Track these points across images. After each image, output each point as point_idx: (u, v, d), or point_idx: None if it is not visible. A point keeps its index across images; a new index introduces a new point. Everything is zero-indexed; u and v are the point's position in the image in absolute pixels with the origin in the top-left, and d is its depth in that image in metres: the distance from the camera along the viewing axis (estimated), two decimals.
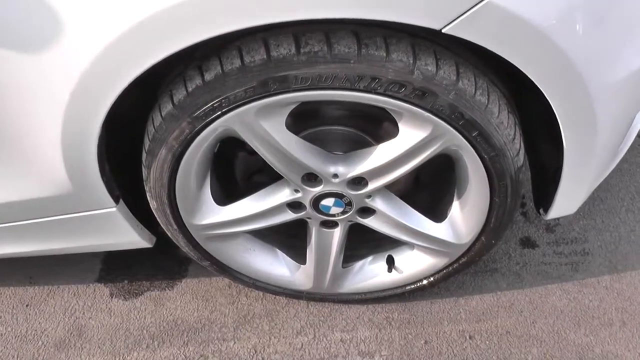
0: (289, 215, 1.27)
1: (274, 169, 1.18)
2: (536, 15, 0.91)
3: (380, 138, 1.25)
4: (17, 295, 1.65)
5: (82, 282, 1.64)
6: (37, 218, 1.32)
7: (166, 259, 1.66)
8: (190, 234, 1.30)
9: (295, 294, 1.46)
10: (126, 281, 1.63)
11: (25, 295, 1.65)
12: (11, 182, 1.23)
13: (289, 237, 1.41)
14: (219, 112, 1.05)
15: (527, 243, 1.58)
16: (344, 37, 0.98)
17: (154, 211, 1.28)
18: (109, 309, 1.57)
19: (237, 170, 1.34)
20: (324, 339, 1.44)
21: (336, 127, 1.25)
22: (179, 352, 1.46)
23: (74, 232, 1.35)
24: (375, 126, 1.24)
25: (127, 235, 1.36)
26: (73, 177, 1.19)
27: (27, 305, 1.62)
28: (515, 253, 1.56)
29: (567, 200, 1.26)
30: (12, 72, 1.01)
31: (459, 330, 1.43)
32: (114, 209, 1.28)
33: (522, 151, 1.15)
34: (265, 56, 0.98)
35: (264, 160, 1.16)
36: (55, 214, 1.30)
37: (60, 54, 0.98)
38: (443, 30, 0.92)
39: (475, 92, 1.04)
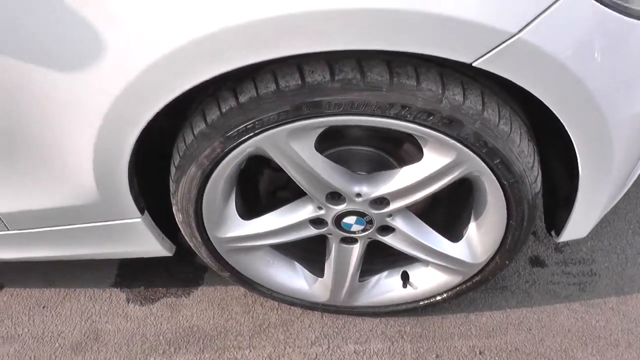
0: (311, 231, 1.30)
1: (298, 186, 1.22)
2: (562, 52, 0.95)
3: (401, 159, 1.30)
4: (34, 296, 1.68)
5: (99, 287, 1.68)
6: (64, 225, 1.36)
7: (182, 266, 1.69)
8: (213, 246, 1.34)
9: (311, 306, 1.50)
10: (142, 287, 1.66)
11: (42, 297, 1.68)
12: (42, 190, 1.27)
13: (307, 251, 1.44)
14: (252, 133, 1.08)
15: (537, 262, 1.62)
16: (376, 66, 1.01)
17: (178, 223, 1.31)
18: (126, 313, 1.61)
19: (261, 185, 1.38)
20: (338, 350, 1.48)
21: (358, 147, 1.29)
22: (195, 358, 1.49)
23: (98, 239, 1.39)
24: (396, 147, 1.27)
25: (149, 245, 1.40)
26: (102, 189, 1.22)
27: (43, 307, 1.65)
28: (525, 271, 1.60)
29: (579, 225, 1.30)
30: (53, 85, 1.04)
31: (470, 346, 1.47)
32: (139, 220, 1.31)
33: (540, 178, 1.20)
34: (300, 82, 1.02)
35: (289, 177, 1.20)
36: (81, 222, 1.34)
37: (100, 73, 1.01)
38: (474, 64, 0.96)
39: (499, 121, 1.08)
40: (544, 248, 1.65)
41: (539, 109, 1.05)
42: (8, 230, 1.39)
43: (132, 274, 1.70)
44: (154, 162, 1.28)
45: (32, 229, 1.38)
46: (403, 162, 1.28)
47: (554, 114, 1.05)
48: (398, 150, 1.27)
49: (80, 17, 0.96)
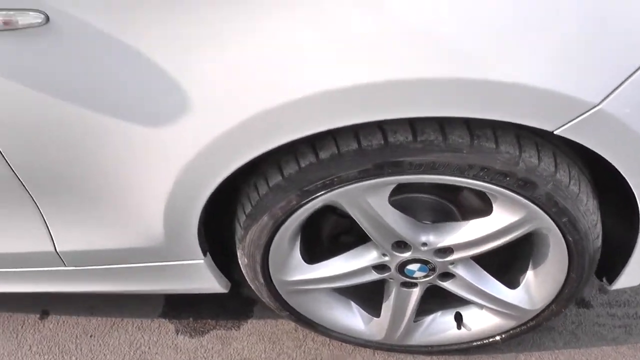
0: (373, 276, 1.33)
1: (360, 231, 1.24)
2: (637, 121, 0.99)
3: (462, 206, 1.32)
4: (80, 324, 1.70)
5: (146, 317, 1.70)
6: (124, 264, 1.38)
7: (231, 298, 1.70)
8: (275, 288, 1.37)
9: (364, 343, 1.53)
10: (191, 318, 1.68)
11: (89, 325, 1.70)
12: (107, 231, 1.29)
13: (363, 290, 1.46)
14: (329, 188, 1.11)
15: (582, 303, 1.65)
16: (457, 128, 1.04)
17: (242, 266, 1.34)
18: (175, 345, 1.62)
19: (324, 230, 1.40)
20: None
21: (421, 195, 1.31)
22: None
23: (156, 277, 1.41)
24: (457, 195, 1.30)
25: (207, 283, 1.42)
26: (169, 234, 1.24)
27: (90, 336, 1.67)
28: (571, 312, 1.63)
29: (633, 274, 1.33)
30: (138, 135, 1.07)
31: None
32: (202, 261, 1.34)
33: (601, 233, 1.23)
34: (382, 142, 1.04)
35: (352, 222, 1.22)
36: (143, 262, 1.36)
37: (187, 128, 1.04)
38: (555, 132, 0.99)
39: (569, 182, 1.11)
40: (588, 289, 1.68)
41: (600, 165, 1.08)
42: (65, 266, 1.41)
43: (180, 305, 1.71)
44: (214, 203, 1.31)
45: (90, 266, 1.41)
46: (463, 208, 1.31)
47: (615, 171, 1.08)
48: (459, 197, 1.30)
49: (173, 74, 0.98)
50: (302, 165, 1.10)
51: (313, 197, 1.13)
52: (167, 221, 1.21)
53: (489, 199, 1.20)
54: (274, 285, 1.36)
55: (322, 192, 1.12)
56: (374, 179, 1.09)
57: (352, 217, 1.22)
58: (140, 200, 1.20)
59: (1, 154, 1.14)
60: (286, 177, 1.12)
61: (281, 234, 1.22)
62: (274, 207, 1.17)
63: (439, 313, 1.49)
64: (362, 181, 1.09)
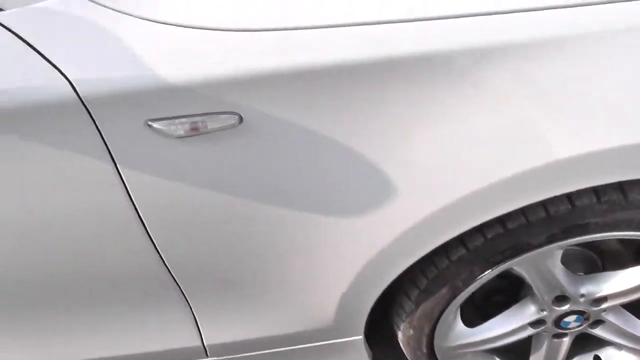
0: (527, 332, 1.36)
1: (514, 290, 1.30)
2: None
3: (603, 254, 1.39)
4: None
5: None
6: (277, 348, 1.35)
7: None
8: (435, 356, 1.38)
9: None
10: None
11: None
12: (269, 320, 1.27)
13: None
14: (515, 256, 1.15)
15: None
16: (635, 185, 1.10)
17: (404, 337, 1.35)
18: None
19: (478, 291, 1.43)
20: None
21: (571, 247, 1.35)
22: None
23: (308, 356, 1.38)
24: (597, 243, 1.34)
25: (356, 356, 1.41)
26: (340, 317, 1.24)
27: None
28: None
29: None
30: (327, 225, 1.08)
31: None
32: (361, 337, 1.33)
33: None
34: (569, 206, 1.09)
35: (510, 283, 1.27)
36: (300, 344, 1.34)
37: (382, 215, 1.06)
38: None
39: None
40: None
41: None
42: (207, 357, 1.37)
43: None
44: None
45: (235, 355, 1.36)
46: (605, 256, 1.37)
47: None
48: (599, 245, 1.36)
49: (373, 163, 1.00)
50: (488, 236, 1.13)
51: (497, 265, 1.17)
52: (343, 304, 1.21)
53: (629, 245, 1.28)
54: (435, 353, 1.38)
55: (507, 260, 1.16)
56: (560, 241, 1.14)
57: (511, 278, 1.27)
58: (317, 288, 1.20)
59: (160, 255, 1.12)
60: (471, 249, 1.15)
61: (454, 303, 1.25)
62: (455, 280, 1.20)
63: (576, 358, 1.53)
64: (547, 245, 1.14)
